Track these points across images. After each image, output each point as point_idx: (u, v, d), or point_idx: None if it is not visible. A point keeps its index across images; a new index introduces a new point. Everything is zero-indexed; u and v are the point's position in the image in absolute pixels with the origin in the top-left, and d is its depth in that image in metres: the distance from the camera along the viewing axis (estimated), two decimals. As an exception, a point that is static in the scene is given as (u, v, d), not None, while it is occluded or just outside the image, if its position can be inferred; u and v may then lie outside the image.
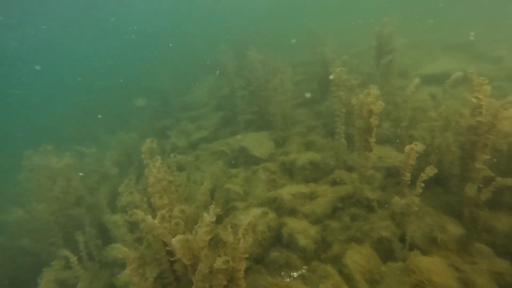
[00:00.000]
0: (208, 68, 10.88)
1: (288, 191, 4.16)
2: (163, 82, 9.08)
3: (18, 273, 4.46)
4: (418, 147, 2.69)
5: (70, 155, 4.76)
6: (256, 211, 4.20)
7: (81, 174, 4.73)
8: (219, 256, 2.23)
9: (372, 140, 3.33)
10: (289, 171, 4.88)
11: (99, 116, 9.31)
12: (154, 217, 2.99)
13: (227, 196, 4.78)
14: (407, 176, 2.90)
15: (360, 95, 3.16)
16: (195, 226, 2.48)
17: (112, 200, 4.67)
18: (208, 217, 2.29)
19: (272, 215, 3.97)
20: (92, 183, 4.75)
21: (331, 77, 4.49)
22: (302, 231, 3.65)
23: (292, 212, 3.96)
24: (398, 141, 4.30)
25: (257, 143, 5.70)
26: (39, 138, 9.37)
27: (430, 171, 2.59)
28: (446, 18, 10.69)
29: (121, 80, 11.64)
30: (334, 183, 4.34)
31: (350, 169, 4.57)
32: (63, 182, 3.85)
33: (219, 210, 2.34)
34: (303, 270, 3.13)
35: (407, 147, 2.69)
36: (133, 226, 3.56)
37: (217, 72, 9.90)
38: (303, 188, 4.23)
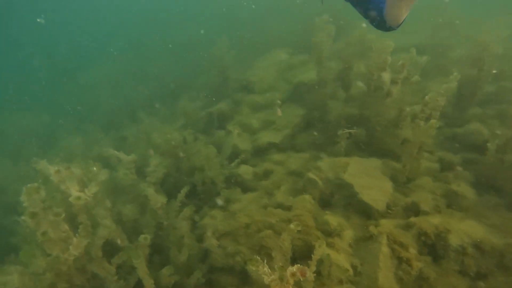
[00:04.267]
0: (280, 41, 8.99)
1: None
2: (225, 52, 7.35)
3: None
4: None
5: (98, 167, 3.37)
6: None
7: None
8: None
9: None
10: (432, 248, 3.22)
11: (145, 89, 7.87)
12: None
13: (323, 266, 3.25)
14: None
15: None
16: None
17: (154, 256, 3.29)
18: None
19: None
20: (128, 215, 3.36)
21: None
22: None
23: None
24: None
25: (367, 179, 4.02)
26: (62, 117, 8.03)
27: None
28: None
29: (170, 46, 9.92)
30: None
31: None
32: (84, 235, 2.46)
33: None
34: None
35: None
36: None
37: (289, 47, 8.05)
38: (478, 306, 2.58)
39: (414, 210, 3.64)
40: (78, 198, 2.42)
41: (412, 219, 3.37)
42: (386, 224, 3.46)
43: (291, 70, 7.93)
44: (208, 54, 9.49)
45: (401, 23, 2.19)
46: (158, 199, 3.18)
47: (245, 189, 4.92)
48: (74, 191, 2.45)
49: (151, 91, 7.87)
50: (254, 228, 3.80)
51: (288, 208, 4.15)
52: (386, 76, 4.24)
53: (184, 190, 3.81)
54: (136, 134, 5.40)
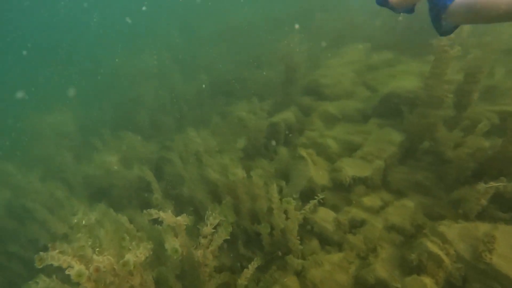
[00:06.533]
0: (360, 32, 7.55)
1: None
2: (296, 47, 6.10)
3: None
4: None
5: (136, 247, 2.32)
6: None
7: None
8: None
9: None
10: None
11: (194, 83, 6.77)
12: None
13: None
14: None
15: None
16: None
17: None
18: None
19: None
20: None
21: None
22: None
23: None
24: None
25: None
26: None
27: None
28: None
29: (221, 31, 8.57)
30: None
31: None
32: None
33: None
34: None
35: None
36: None
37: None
38: None
39: None
40: None
41: None
42: None
43: (372, 72, 6.52)
44: (267, 42, 8.27)
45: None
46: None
47: (324, 241, 3.78)
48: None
49: (201, 86, 6.84)
50: (354, 329, 2.66)
51: (397, 294, 2.95)
52: None
53: (253, 265, 2.71)
54: (185, 155, 4.38)
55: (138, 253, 2.03)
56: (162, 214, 2.34)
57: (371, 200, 3.96)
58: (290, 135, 5.33)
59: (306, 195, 4.20)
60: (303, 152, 4.44)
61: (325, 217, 3.85)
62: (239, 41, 8.43)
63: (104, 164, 4.70)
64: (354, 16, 8.02)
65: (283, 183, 3.99)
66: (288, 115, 5.57)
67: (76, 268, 1.74)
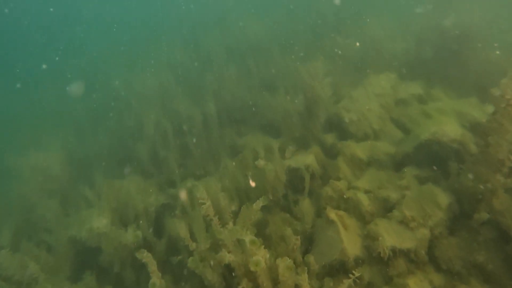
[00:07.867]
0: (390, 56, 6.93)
1: None
2: (315, 74, 5.47)
3: None
4: None
5: None
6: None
7: None
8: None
9: None
10: None
11: (200, 113, 5.95)
12: None
13: None
14: None
15: None
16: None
17: None
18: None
19: None
20: None
21: None
22: None
23: None
24: None
25: None
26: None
27: None
28: None
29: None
30: None
31: None
32: None
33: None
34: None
35: None
36: None
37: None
38: None
39: None
40: None
41: None
42: None
43: (401, 107, 5.88)
44: (282, 65, 7.64)
45: None
46: None
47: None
48: None
49: (208, 113, 6.18)
50: None
51: None
52: None
53: None
54: (191, 213, 3.69)
55: None
56: None
57: (418, 283, 3.28)
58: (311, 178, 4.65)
59: (336, 266, 3.53)
60: (332, 215, 3.75)
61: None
62: (249, 62, 7.80)
63: (94, 227, 3.98)
64: (378, 40, 7.41)
65: (311, 258, 3.30)
66: (310, 159, 4.89)
67: None
